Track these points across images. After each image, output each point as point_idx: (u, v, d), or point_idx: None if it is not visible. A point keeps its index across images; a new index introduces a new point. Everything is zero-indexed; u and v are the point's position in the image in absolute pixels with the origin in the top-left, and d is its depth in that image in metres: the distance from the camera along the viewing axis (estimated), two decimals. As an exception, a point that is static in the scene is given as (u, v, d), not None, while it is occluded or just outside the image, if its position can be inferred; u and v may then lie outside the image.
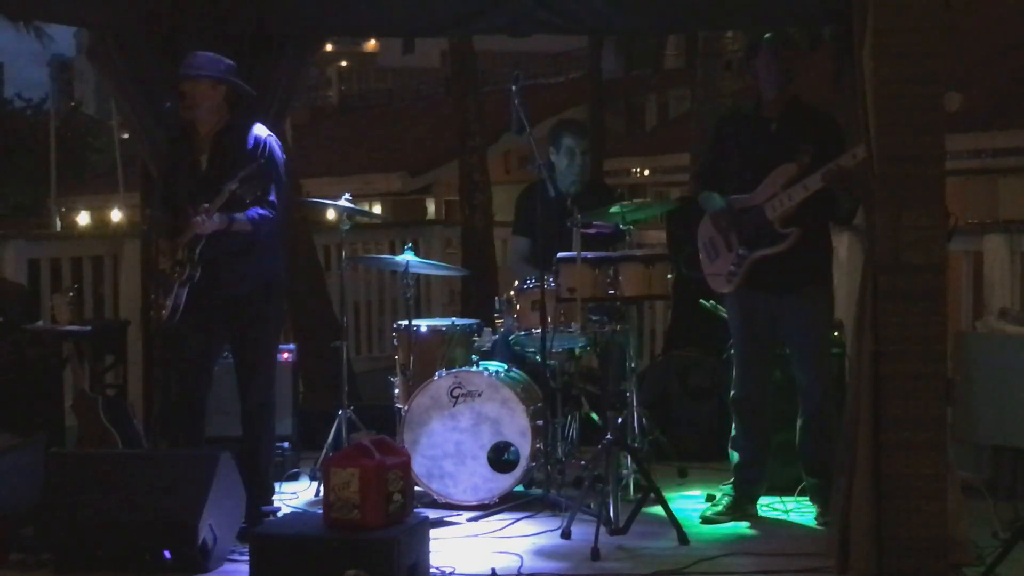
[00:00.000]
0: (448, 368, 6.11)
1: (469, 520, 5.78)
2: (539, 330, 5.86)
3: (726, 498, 5.79)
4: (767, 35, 5.68)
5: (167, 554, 4.98)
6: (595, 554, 5.12)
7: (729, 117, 6.04)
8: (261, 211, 5.44)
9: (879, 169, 4.67)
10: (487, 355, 6.32)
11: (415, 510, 5.11)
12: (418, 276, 7.03)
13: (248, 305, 5.56)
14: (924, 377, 4.62)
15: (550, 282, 5.84)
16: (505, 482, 5.93)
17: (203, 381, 5.59)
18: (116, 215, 26.72)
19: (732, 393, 5.82)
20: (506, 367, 6.20)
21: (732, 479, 5.83)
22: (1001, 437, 5.93)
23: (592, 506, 5.50)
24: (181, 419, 5.61)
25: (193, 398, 5.56)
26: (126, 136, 24.05)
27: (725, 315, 6.00)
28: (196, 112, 5.49)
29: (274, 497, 5.84)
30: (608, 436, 5.65)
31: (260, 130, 5.57)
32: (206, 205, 5.32)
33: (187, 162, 5.55)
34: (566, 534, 5.41)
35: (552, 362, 6.08)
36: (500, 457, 5.98)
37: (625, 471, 5.89)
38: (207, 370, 5.61)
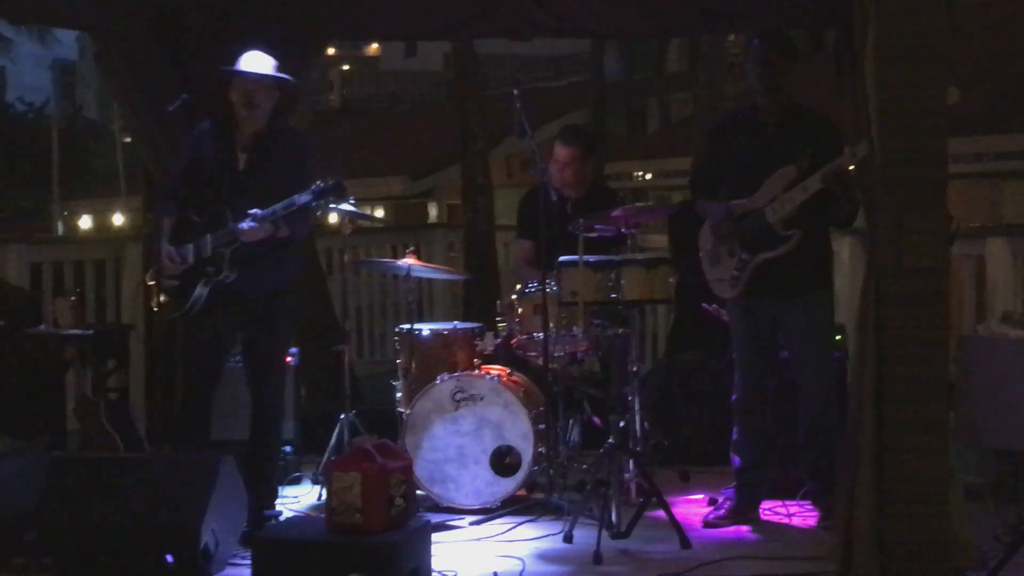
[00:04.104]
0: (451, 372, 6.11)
1: (471, 524, 5.77)
2: (541, 334, 5.86)
3: (728, 502, 5.79)
4: (754, 40, 5.68)
5: (169, 558, 4.97)
6: (597, 558, 5.12)
7: (726, 121, 6.02)
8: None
9: (881, 172, 4.66)
10: (489, 359, 6.32)
11: (417, 514, 5.11)
12: (420, 280, 7.04)
13: (265, 308, 5.51)
14: (926, 381, 4.61)
15: (552, 286, 5.84)
16: (507, 486, 5.93)
17: (210, 381, 5.54)
18: (118, 219, 26.76)
19: (734, 397, 5.82)
20: (508, 371, 6.20)
21: (734, 483, 5.83)
22: (1003, 441, 5.90)
23: (594, 510, 5.50)
24: (186, 417, 5.55)
25: (199, 396, 5.51)
26: (128, 140, 24.12)
27: (726, 319, 6.00)
28: (255, 112, 5.36)
29: (276, 501, 5.84)
30: (610, 440, 5.65)
31: (300, 134, 5.47)
32: (254, 211, 5.23)
33: (222, 159, 5.38)
34: (568, 538, 5.41)
35: (554, 366, 6.08)
36: (502, 461, 5.97)
37: (627, 475, 5.89)
38: (215, 370, 5.56)
